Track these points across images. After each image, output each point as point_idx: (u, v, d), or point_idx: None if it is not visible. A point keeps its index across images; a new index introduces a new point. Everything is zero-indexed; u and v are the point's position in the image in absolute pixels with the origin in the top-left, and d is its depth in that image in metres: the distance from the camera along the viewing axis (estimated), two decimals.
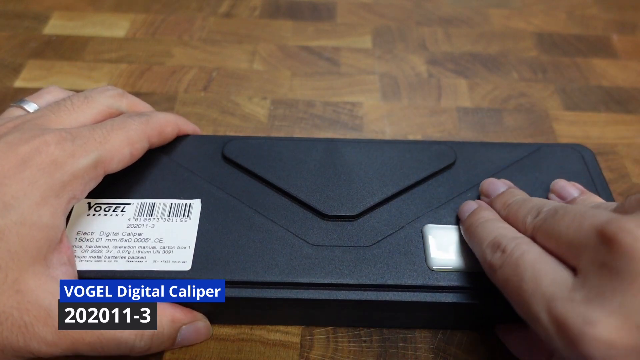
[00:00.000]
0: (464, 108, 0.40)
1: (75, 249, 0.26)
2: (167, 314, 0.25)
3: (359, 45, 0.46)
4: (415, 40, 0.47)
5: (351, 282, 0.25)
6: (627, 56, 0.46)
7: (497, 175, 0.29)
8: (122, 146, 0.25)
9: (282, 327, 0.27)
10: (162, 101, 0.40)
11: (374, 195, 0.28)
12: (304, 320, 0.28)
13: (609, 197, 0.29)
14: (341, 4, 0.50)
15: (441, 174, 0.30)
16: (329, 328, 0.27)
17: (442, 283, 0.25)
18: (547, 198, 0.28)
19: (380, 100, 0.41)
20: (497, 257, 0.22)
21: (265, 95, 0.41)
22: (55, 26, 0.46)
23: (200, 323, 0.26)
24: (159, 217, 0.27)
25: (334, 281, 0.25)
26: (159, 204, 0.28)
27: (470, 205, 0.27)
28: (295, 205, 0.28)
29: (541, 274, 0.20)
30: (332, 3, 0.50)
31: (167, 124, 0.29)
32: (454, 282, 0.25)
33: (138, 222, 0.27)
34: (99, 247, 0.26)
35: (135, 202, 0.28)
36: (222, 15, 0.48)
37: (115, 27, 0.46)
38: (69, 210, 0.24)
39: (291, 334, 0.27)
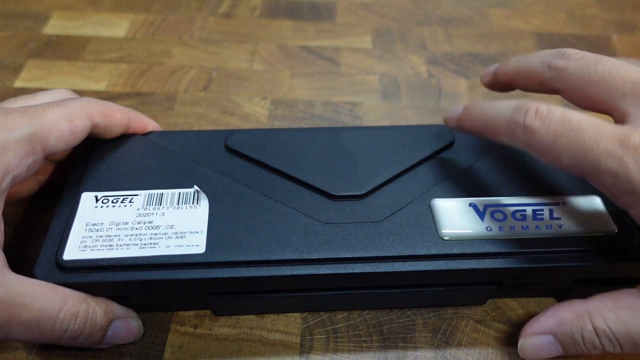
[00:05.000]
0: None
1: (85, 239, 0.25)
2: (102, 304, 0.25)
3: (359, 45, 0.46)
4: (415, 40, 0.47)
5: (365, 255, 0.25)
6: (627, 56, 0.46)
7: (497, 151, 0.30)
8: (59, 122, 0.25)
9: (282, 327, 0.28)
10: (162, 101, 0.40)
11: (379, 175, 0.29)
12: (316, 305, 0.28)
13: None
14: (341, 4, 0.50)
15: (442, 153, 0.30)
16: (329, 328, 0.27)
17: (454, 251, 0.25)
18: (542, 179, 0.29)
19: (380, 100, 0.41)
20: (533, 119, 0.23)
21: (265, 95, 0.41)
22: (55, 26, 0.46)
23: (132, 320, 0.26)
24: (168, 205, 0.27)
25: (348, 255, 0.25)
26: (167, 193, 0.28)
27: (456, 108, 0.28)
28: (303, 189, 0.28)
29: (599, 122, 0.22)
30: (332, 3, 0.50)
31: (115, 109, 0.29)
32: (467, 250, 0.25)
33: (147, 212, 0.27)
34: (109, 236, 0.26)
35: (142, 193, 0.28)
36: (222, 15, 0.48)
37: (115, 27, 0.46)
38: (6, 187, 0.24)
39: (291, 334, 0.27)
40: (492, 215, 0.27)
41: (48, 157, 0.30)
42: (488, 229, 0.26)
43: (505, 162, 0.30)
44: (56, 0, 0.49)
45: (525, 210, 0.27)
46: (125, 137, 0.31)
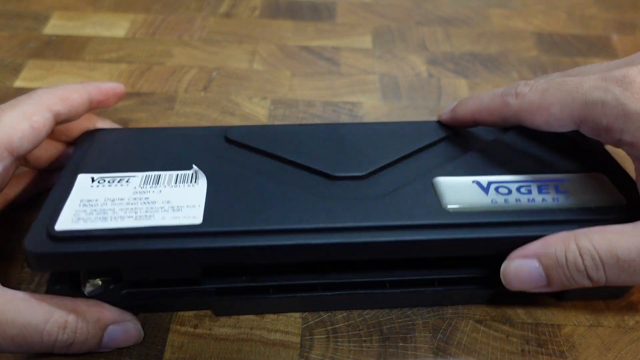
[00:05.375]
0: None
1: (79, 212, 0.25)
2: (94, 312, 0.25)
3: (359, 45, 0.46)
4: (415, 40, 0.47)
5: (369, 224, 0.25)
6: (627, 56, 0.46)
7: (497, 139, 0.30)
8: (17, 122, 0.25)
9: (282, 327, 0.28)
10: (162, 101, 0.40)
11: (380, 159, 0.28)
12: (316, 305, 0.28)
13: (603, 150, 0.30)
14: (341, 4, 0.50)
15: (443, 142, 0.30)
16: (329, 328, 0.27)
17: (460, 221, 0.25)
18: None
19: (380, 100, 0.41)
20: (522, 87, 0.26)
21: (265, 95, 0.41)
22: (55, 26, 0.46)
23: (129, 324, 0.26)
24: (165, 184, 0.27)
25: (351, 224, 0.25)
26: (165, 174, 0.27)
27: (449, 105, 0.31)
28: (303, 172, 0.28)
29: (577, 77, 0.24)
30: (332, 3, 0.50)
31: (71, 90, 0.28)
32: (472, 219, 0.25)
33: (144, 190, 0.26)
34: (104, 209, 0.25)
35: (140, 174, 0.27)
36: (222, 15, 0.48)
37: (115, 27, 0.46)
38: None
39: (291, 334, 0.27)
40: (496, 190, 0.27)
41: (33, 163, 0.30)
42: (493, 201, 0.26)
43: (507, 148, 0.30)
44: (56, 0, 0.49)
45: (530, 186, 0.27)
46: (124, 131, 0.31)
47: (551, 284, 0.24)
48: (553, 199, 0.26)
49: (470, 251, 0.25)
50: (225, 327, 0.27)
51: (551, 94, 0.24)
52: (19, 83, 0.41)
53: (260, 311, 0.28)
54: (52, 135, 0.31)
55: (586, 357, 0.27)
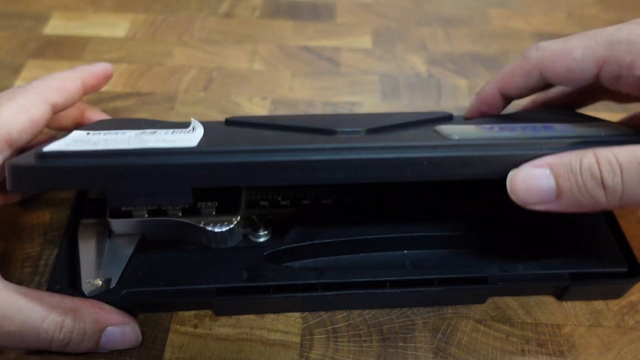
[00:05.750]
0: (464, 108, 0.40)
1: (70, 144, 0.24)
2: (92, 313, 0.25)
3: (359, 45, 0.46)
4: (415, 40, 0.47)
5: (371, 145, 0.23)
6: None
7: (498, 119, 0.31)
8: (16, 115, 0.25)
9: (282, 327, 0.28)
10: (162, 101, 0.40)
11: (381, 122, 0.29)
12: (316, 305, 0.28)
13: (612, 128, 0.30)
14: (341, 4, 0.50)
15: (442, 119, 0.31)
16: (329, 328, 0.27)
17: (464, 142, 0.24)
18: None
19: (380, 100, 0.41)
20: (544, 42, 0.27)
21: (265, 95, 0.41)
22: (56, 26, 0.46)
23: (128, 327, 0.26)
24: (162, 134, 0.26)
25: (355, 145, 0.23)
26: (161, 130, 0.26)
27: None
28: (303, 134, 0.27)
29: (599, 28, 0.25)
30: (332, 3, 0.50)
31: (65, 79, 0.28)
32: (477, 142, 0.24)
33: (140, 136, 0.25)
34: (97, 140, 0.24)
35: (136, 130, 0.26)
36: (222, 15, 0.48)
37: (116, 27, 0.46)
38: None
39: (291, 334, 0.27)
40: (500, 128, 0.26)
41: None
42: (499, 133, 0.26)
43: (508, 117, 0.30)
44: (56, 0, 0.49)
45: (535, 126, 0.27)
46: (123, 119, 0.32)
47: (561, 196, 0.22)
48: (561, 130, 0.26)
49: (476, 171, 0.24)
50: (225, 327, 0.28)
51: (575, 40, 0.25)
52: (19, 83, 0.41)
53: (260, 311, 0.28)
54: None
55: (586, 357, 0.27)
